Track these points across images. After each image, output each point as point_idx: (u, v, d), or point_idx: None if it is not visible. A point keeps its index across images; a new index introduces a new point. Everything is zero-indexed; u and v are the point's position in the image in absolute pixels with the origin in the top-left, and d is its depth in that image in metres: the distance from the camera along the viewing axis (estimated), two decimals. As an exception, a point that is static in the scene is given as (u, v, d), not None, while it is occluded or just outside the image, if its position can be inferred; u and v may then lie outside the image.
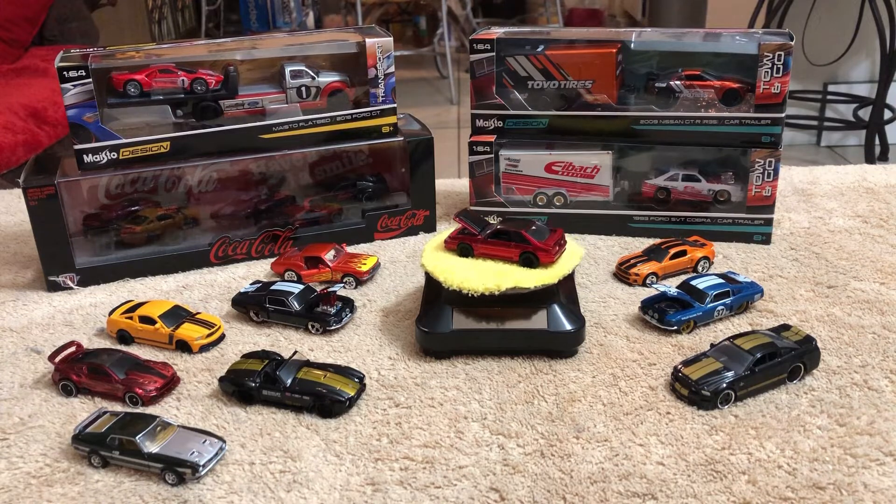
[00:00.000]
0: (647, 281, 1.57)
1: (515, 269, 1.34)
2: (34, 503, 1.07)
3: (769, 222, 1.73)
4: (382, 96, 1.75)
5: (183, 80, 1.66)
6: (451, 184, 2.16)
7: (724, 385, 1.19)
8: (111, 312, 1.45)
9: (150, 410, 1.23)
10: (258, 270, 1.70)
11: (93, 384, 1.27)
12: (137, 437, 1.10)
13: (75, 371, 1.28)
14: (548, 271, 1.33)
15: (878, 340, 1.36)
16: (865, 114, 3.51)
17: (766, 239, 1.74)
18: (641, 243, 1.73)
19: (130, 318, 1.42)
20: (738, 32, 1.73)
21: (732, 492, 1.05)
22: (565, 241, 1.39)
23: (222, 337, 1.43)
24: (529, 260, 1.34)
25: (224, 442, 1.13)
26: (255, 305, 1.48)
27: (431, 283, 1.40)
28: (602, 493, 1.05)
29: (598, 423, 1.18)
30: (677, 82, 1.71)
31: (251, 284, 1.53)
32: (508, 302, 1.31)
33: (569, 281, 1.40)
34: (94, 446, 1.12)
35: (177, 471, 1.08)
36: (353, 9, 4.89)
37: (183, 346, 1.40)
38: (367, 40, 1.72)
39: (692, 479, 1.07)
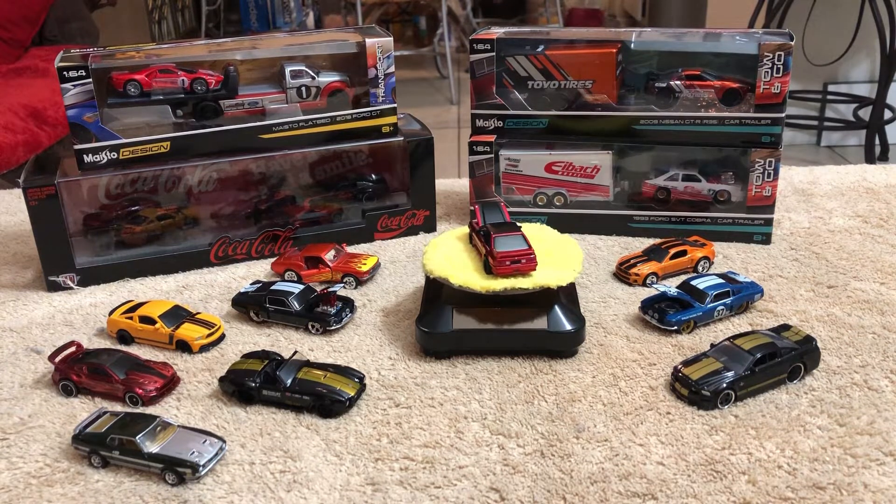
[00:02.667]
0: (647, 281, 1.57)
1: (478, 268, 1.35)
2: (34, 503, 1.07)
3: (769, 222, 1.73)
4: (382, 96, 1.75)
5: (183, 80, 1.66)
6: (451, 184, 2.16)
7: (724, 385, 1.19)
8: (111, 312, 1.45)
9: (150, 410, 1.23)
10: (258, 270, 1.70)
11: (93, 384, 1.27)
12: (137, 437, 1.10)
13: (75, 371, 1.28)
14: (493, 280, 1.30)
15: (878, 340, 1.36)
16: (865, 114, 3.51)
17: (766, 239, 1.74)
18: (641, 243, 1.73)
19: (130, 318, 1.42)
20: (738, 32, 1.73)
21: (732, 492, 1.05)
22: (529, 261, 1.31)
23: (222, 337, 1.43)
24: (487, 263, 1.33)
25: (224, 442, 1.13)
26: (255, 305, 1.48)
27: (431, 283, 1.40)
28: (602, 493, 1.05)
29: (598, 423, 1.18)
30: (677, 82, 1.71)
31: (251, 284, 1.53)
32: (509, 302, 1.31)
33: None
34: (94, 446, 1.12)
35: (177, 471, 1.08)
36: (353, 9, 4.88)
37: (183, 346, 1.40)
38: (367, 40, 1.72)
39: (692, 479, 1.07)
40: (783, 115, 1.65)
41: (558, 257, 1.37)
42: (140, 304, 1.45)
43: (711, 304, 1.41)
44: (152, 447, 1.10)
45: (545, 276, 1.31)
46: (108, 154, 1.61)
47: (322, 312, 1.43)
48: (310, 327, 1.44)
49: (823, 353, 1.31)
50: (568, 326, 1.32)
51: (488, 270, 1.33)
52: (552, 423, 1.19)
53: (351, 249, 1.74)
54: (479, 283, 1.31)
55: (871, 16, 3.20)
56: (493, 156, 1.80)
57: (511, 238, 1.34)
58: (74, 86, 1.55)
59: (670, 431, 1.16)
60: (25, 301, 1.60)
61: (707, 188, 1.75)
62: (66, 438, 1.18)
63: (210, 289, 1.62)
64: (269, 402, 1.24)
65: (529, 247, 1.33)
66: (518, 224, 1.41)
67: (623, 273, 1.60)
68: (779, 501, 1.03)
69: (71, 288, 1.63)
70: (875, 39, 3.28)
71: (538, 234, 1.45)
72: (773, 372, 1.23)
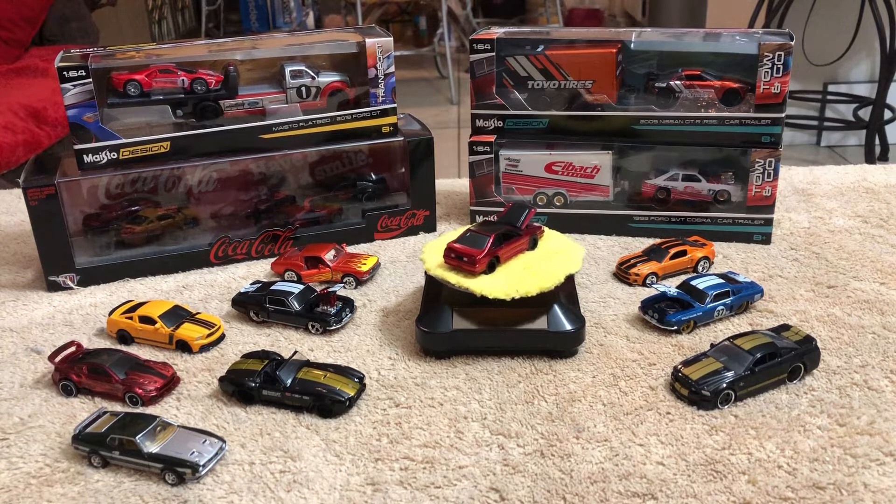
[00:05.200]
0: (647, 281, 1.57)
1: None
2: (34, 503, 1.07)
3: (769, 222, 1.73)
4: (382, 96, 1.75)
5: (183, 80, 1.66)
6: (451, 184, 2.16)
7: (724, 385, 1.19)
8: (111, 312, 1.45)
9: (150, 410, 1.23)
10: (258, 270, 1.70)
11: (93, 384, 1.27)
12: (137, 437, 1.10)
13: (75, 371, 1.28)
14: (440, 268, 1.35)
15: (878, 340, 1.36)
16: (865, 114, 3.51)
17: (766, 239, 1.74)
18: (641, 243, 1.73)
19: (130, 318, 1.42)
20: (738, 32, 1.73)
21: (732, 492, 1.05)
22: (470, 263, 1.31)
23: (222, 337, 1.43)
24: None
25: (224, 442, 1.13)
26: (255, 305, 1.48)
27: (431, 283, 1.40)
28: (602, 493, 1.05)
29: (598, 423, 1.18)
30: (677, 82, 1.71)
31: (251, 284, 1.53)
32: (508, 302, 1.31)
33: (568, 281, 1.39)
34: (94, 446, 1.12)
35: (177, 471, 1.08)
36: (353, 9, 4.89)
37: (183, 346, 1.40)
38: (367, 40, 1.72)
39: (692, 479, 1.07)
40: (783, 115, 1.65)
41: (530, 275, 1.33)
42: (140, 304, 1.45)
43: (711, 304, 1.41)
44: (152, 447, 1.10)
45: (481, 283, 1.31)
46: (108, 154, 1.61)
47: (322, 312, 1.43)
48: (310, 327, 1.44)
49: (823, 353, 1.31)
50: (568, 326, 1.32)
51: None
52: (552, 423, 1.19)
53: (351, 249, 1.74)
54: (432, 264, 1.36)
55: (871, 16, 3.20)
56: (493, 156, 1.80)
57: (477, 237, 1.34)
58: (74, 86, 1.55)
59: (670, 431, 1.16)
60: (25, 301, 1.60)
61: (707, 188, 1.75)
62: (66, 438, 1.17)
63: (210, 289, 1.62)
64: (269, 402, 1.24)
65: (480, 251, 1.32)
66: (520, 230, 1.39)
67: (623, 273, 1.60)
68: (779, 501, 1.03)
69: (71, 288, 1.63)
70: (875, 39, 3.28)
71: (551, 247, 1.42)
72: (773, 372, 1.23)
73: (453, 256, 1.34)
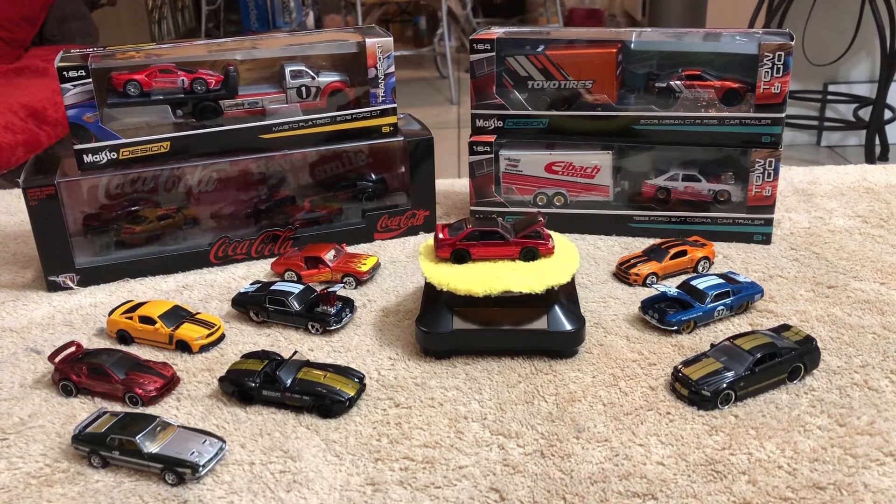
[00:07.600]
0: (647, 281, 1.57)
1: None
2: (34, 503, 1.07)
3: (769, 222, 1.73)
4: (382, 96, 1.75)
5: (183, 80, 1.66)
6: (451, 184, 2.16)
7: (724, 385, 1.19)
8: (111, 312, 1.45)
9: (150, 410, 1.23)
10: (258, 270, 1.70)
11: (93, 384, 1.27)
12: (137, 437, 1.10)
13: (75, 371, 1.28)
14: (423, 248, 1.43)
15: (878, 340, 1.36)
16: (865, 114, 3.50)
17: (766, 239, 1.74)
18: (641, 243, 1.73)
19: (130, 318, 1.42)
20: (738, 32, 1.73)
21: (732, 492, 1.05)
22: (436, 248, 1.38)
23: (222, 337, 1.43)
24: None
25: (224, 442, 1.13)
26: (255, 305, 1.48)
27: (431, 283, 1.40)
28: (602, 493, 1.05)
29: (598, 423, 1.18)
30: (677, 82, 1.71)
31: (251, 284, 1.53)
32: (509, 302, 1.31)
33: (568, 282, 1.38)
34: (94, 446, 1.12)
35: (177, 471, 1.08)
36: (353, 9, 4.88)
37: (183, 346, 1.40)
38: (367, 40, 1.72)
39: (692, 479, 1.07)
40: (783, 115, 1.64)
41: (477, 277, 1.32)
42: (140, 304, 1.45)
43: (711, 304, 1.41)
44: (152, 447, 1.10)
45: (433, 267, 1.36)
46: (108, 154, 1.61)
47: (322, 312, 1.43)
48: (310, 327, 1.44)
49: (823, 353, 1.31)
50: (568, 326, 1.32)
51: None
52: (552, 423, 1.19)
53: (351, 249, 1.74)
54: (424, 244, 1.44)
55: (871, 16, 3.20)
56: (493, 156, 1.80)
57: (459, 229, 1.39)
58: (74, 86, 1.55)
59: (670, 431, 1.16)
60: (25, 301, 1.60)
61: (707, 188, 1.75)
62: (66, 438, 1.17)
63: (210, 289, 1.62)
64: (269, 402, 1.24)
65: (448, 239, 1.38)
66: (506, 236, 1.37)
67: (623, 273, 1.60)
68: (779, 501, 1.03)
69: (71, 288, 1.63)
70: (875, 39, 3.27)
71: (538, 265, 1.37)
72: (773, 372, 1.23)
73: (434, 239, 1.41)
